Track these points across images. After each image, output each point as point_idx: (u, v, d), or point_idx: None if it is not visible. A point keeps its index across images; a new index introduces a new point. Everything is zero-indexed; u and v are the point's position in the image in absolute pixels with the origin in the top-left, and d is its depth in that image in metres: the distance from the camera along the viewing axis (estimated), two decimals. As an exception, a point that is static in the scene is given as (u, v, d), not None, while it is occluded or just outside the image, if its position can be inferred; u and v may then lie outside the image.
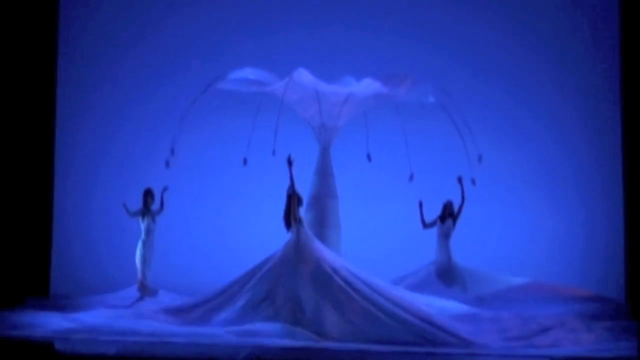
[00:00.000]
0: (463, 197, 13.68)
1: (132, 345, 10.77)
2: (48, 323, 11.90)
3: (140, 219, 13.93)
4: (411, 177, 14.22)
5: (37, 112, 15.30)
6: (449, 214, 13.74)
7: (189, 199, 15.87)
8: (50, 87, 15.46)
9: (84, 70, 16.14)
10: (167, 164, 13.53)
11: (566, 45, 15.76)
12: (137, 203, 13.92)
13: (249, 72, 13.49)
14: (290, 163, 12.26)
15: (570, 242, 15.48)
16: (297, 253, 11.77)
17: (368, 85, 13.41)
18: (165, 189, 13.89)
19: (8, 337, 11.14)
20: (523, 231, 15.58)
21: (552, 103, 15.79)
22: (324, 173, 13.82)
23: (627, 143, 14.57)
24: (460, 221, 13.84)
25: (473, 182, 13.74)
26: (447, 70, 14.83)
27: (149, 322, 11.94)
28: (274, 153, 12.36)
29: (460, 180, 13.72)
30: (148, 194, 13.95)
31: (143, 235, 13.89)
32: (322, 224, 13.35)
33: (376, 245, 15.21)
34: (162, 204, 13.94)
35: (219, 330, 11.39)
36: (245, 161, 13.05)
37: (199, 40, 15.51)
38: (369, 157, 14.29)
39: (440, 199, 13.86)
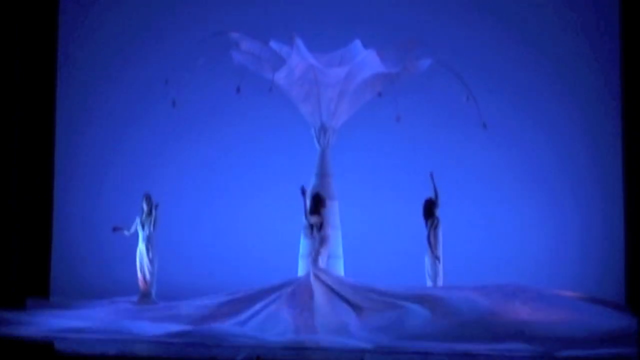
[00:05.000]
0: (436, 194, 13.21)
1: (132, 345, 10.79)
2: (48, 323, 11.92)
3: (139, 226, 13.87)
4: (398, 118, 14.13)
5: (37, 112, 15.30)
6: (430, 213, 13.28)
7: (191, 200, 15.89)
8: (51, 86, 15.46)
9: (84, 70, 16.14)
10: (174, 103, 13.52)
11: (565, 48, 15.74)
12: (136, 206, 13.95)
13: (242, 39, 13.61)
14: (303, 192, 12.59)
15: (569, 244, 15.48)
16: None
17: (370, 61, 13.40)
18: (156, 206, 13.84)
19: (8, 337, 11.15)
20: (522, 233, 15.57)
21: (551, 105, 15.78)
22: (323, 174, 13.84)
23: (627, 143, 14.57)
24: (458, 224, 13.70)
25: (484, 125, 13.62)
26: (445, 74, 14.76)
27: (148, 322, 11.97)
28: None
29: (431, 175, 13.44)
30: (145, 200, 13.87)
31: (143, 242, 13.86)
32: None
33: (376, 246, 15.22)
34: (154, 221, 13.83)
35: (220, 330, 11.43)
36: (238, 89, 12.99)
37: (202, 40, 15.48)
38: (379, 94, 14.06)
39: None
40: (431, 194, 13.22)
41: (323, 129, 13.92)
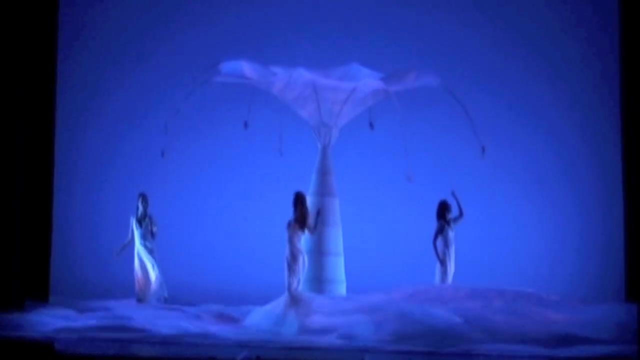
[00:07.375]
0: (461, 211, 13.35)
1: (132, 346, 10.79)
2: (48, 323, 11.91)
3: (136, 224, 13.86)
4: (409, 178, 14.21)
5: (38, 113, 15.28)
6: (440, 215, 13.36)
7: (191, 200, 15.89)
8: (51, 86, 15.44)
9: (84, 71, 16.15)
10: (163, 153, 13.56)
11: (565, 49, 15.76)
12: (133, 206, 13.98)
13: (244, 66, 13.60)
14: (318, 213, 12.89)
15: (569, 244, 15.49)
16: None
17: (370, 83, 13.45)
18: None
19: (8, 337, 11.15)
20: (522, 233, 15.58)
21: (551, 106, 15.79)
22: (323, 171, 13.85)
23: (627, 144, 14.55)
24: (459, 225, 13.69)
25: (483, 150, 13.63)
26: (443, 76, 14.78)
27: (148, 322, 11.97)
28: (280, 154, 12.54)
29: (454, 193, 13.46)
30: (140, 199, 13.85)
31: (140, 241, 13.84)
32: (322, 222, 13.36)
33: (376, 244, 15.23)
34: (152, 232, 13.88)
35: (219, 330, 11.46)
36: (246, 124, 13.07)
37: (202, 41, 15.51)
38: (371, 125, 14.05)
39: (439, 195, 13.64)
40: (457, 210, 13.28)
41: (324, 128, 13.93)
